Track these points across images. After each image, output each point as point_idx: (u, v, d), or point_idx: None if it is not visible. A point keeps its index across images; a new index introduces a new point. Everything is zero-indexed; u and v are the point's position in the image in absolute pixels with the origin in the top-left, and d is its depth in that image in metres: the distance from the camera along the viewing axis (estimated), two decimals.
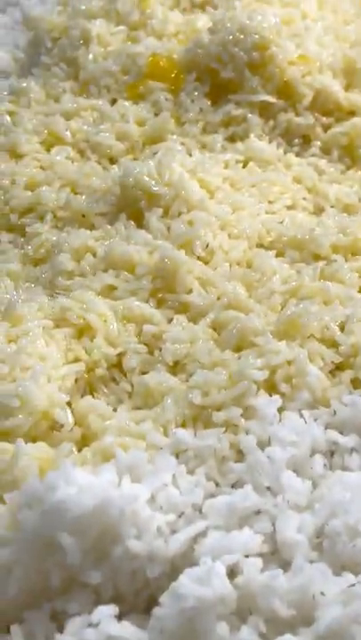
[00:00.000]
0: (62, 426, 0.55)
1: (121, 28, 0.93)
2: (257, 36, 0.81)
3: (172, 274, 0.64)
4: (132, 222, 0.71)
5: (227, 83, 0.83)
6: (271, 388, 0.57)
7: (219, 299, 0.65)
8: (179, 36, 0.90)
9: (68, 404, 0.57)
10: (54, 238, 0.71)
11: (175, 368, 0.60)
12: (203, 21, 0.91)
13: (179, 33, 0.91)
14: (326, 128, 0.84)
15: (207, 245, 0.68)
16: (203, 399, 0.56)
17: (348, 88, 0.86)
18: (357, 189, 0.81)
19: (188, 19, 0.93)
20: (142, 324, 0.62)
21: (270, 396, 0.56)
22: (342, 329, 0.62)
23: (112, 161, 0.81)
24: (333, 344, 0.61)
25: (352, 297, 0.64)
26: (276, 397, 0.56)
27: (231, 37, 0.82)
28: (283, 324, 0.61)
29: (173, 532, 0.48)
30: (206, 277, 0.66)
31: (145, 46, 0.88)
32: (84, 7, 0.95)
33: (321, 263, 0.68)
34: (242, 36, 0.82)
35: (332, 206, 0.78)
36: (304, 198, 0.78)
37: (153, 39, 0.90)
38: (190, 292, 0.65)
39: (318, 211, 0.79)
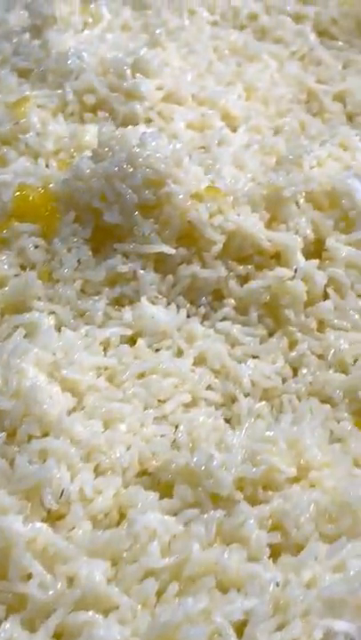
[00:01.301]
0: None
1: None
2: (149, 170, 0.62)
3: (5, 553, 0.46)
4: None
5: (113, 228, 0.64)
6: None
7: (72, 582, 0.46)
8: (60, 155, 0.71)
9: None
10: None
11: None
12: (91, 135, 0.72)
13: (60, 151, 0.72)
14: (243, 281, 0.65)
15: (62, 493, 0.49)
16: None
17: (271, 223, 0.68)
18: (281, 366, 0.63)
19: (75, 130, 0.73)
20: None
21: None
22: (240, 634, 0.44)
23: None
24: None
25: (258, 576, 0.46)
26: None
27: (117, 169, 0.63)
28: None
29: None
30: (55, 552, 0.47)
31: (14, 172, 0.68)
32: None
33: (219, 512, 0.50)
34: (131, 169, 0.63)
35: (247, 394, 0.60)
36: (209, 386, 0.60)
37: (26, 160, 0.70)
38: (29, 577, 0.46)
39: (229, 401, 0.60)
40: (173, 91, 0.76)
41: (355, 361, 0.62)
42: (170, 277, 0.64)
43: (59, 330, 0.60)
